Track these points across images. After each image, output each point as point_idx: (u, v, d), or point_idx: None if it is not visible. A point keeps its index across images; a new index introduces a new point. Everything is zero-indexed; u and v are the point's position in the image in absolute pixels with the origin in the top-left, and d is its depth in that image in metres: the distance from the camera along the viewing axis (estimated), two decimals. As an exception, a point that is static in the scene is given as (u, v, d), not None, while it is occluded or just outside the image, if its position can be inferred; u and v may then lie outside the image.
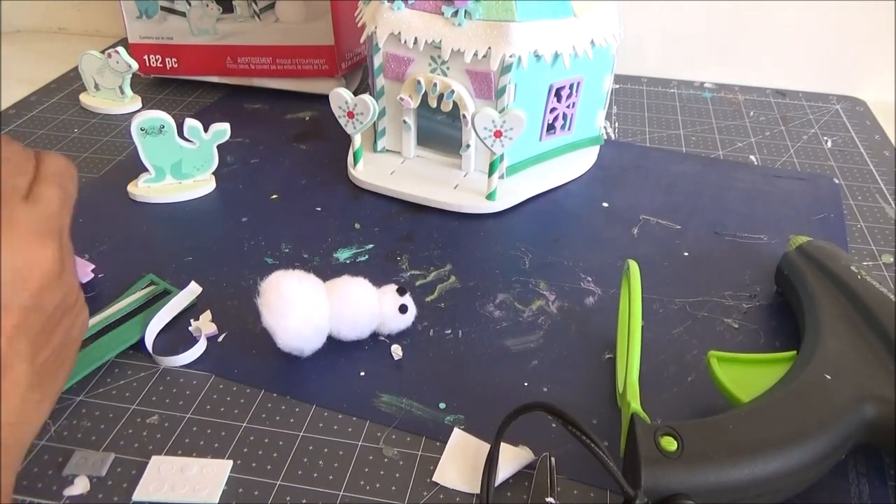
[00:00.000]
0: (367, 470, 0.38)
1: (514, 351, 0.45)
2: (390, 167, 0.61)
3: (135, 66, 0.71)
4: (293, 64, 0.73)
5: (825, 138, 0.70)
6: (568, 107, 0.60)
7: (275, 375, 0.43)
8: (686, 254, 0.54)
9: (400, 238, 0.55)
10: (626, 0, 0.79)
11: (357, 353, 0.45)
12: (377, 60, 0.58)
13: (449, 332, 0.46)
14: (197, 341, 0.45)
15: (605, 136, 0.66)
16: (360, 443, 0.39)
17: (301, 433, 0.40)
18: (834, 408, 0.35)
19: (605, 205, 0.59)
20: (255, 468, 0.38)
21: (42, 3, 0.96)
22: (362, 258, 0.53)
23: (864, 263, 0.53)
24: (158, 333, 0.46)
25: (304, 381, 0.43)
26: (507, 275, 0.51)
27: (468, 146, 0.59)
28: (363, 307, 0.44)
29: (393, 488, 0.37)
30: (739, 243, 0.55)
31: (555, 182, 0.61)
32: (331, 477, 0.37)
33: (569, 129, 0.61)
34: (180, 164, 0.59)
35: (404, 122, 0.60)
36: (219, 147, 0.59)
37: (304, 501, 0.36)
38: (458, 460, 0.38)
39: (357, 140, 0.59)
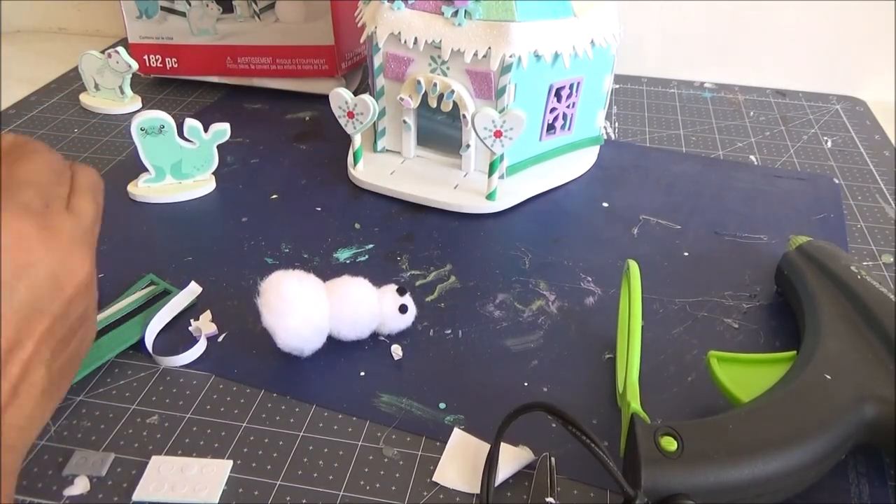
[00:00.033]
0: (367, 470, 0.38)
1: (514, 351, 0.45)
2: (390, 167, 0.61)
3: (135, 66, 0.71)
4: (293, 64, 0.73)
5: (825, 138, 0.70)
6: (568, 107, 0.60)
7: (275, 375, 0.43)
8: (686, 254, 0.54)
9: (400, 238, 0.55)
10: (626, 0, 0.79)
11: (357, 353, 0.45)
12: (377, 60, 0.58)
13: (449, 332, 0.46)
14: (197, 341, 0.45)
15: (605, 136, 0.66)
16: (360, 443, 0.39)
17: (301, 433, 0.40)
18: (834, 408, 0.35)
19: (605, 205, 0.59)
20: (255, 468, 0.38)
21: (42, 3, 0.96)
22: (362, 258, 0.53)
23: (864, 263, 0.53)
24: (158, 333, 0.46)
25: (304, 381, 0.43)
26: (507, 275, 0.51)
27: (468, 146, 0.59)
28: (363, 307, 0.44)
29: (393, 488, 0.37)
30: (739, 243, 0.55)
31: (555, 182, 0.61)
32: (331, 477, 0.37)
33: (569, 129, 0.61)
34: (180, 164, 0.59)
35: (404, 122, 0.60)
36: (219, 147, 0.59)
37: (304, 501, 0.36)
38: (458, 460, 0.38)
39: (357, 140, 0.59)
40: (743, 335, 0.47)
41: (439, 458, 0.38)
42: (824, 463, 0.35)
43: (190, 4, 0.71)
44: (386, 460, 0.38)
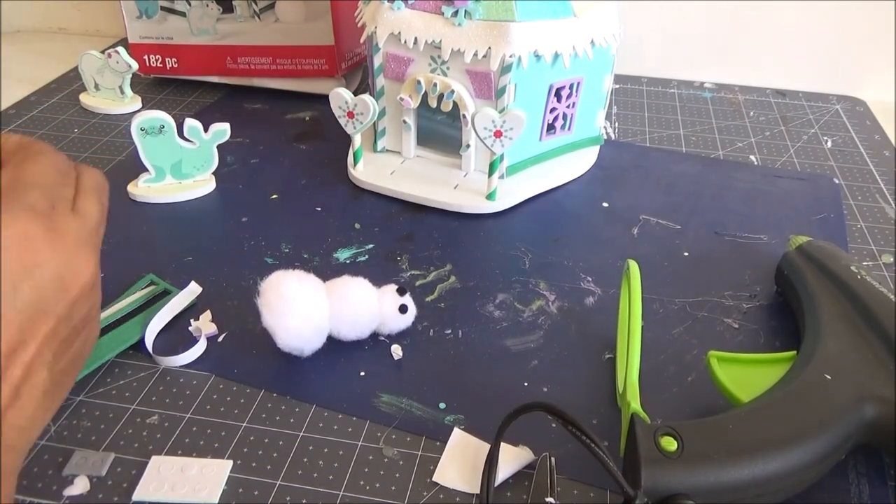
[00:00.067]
0: (367, 470, 0.38)
1: (514, 351, 0.45)
2: (390, 167, 0.61)
3: (135, 66, 0.71)
4: (293, 64, 0.73)
5: (825, 138, 0.70)
6: (568, 107, 0.60)
7: (275, 375, 0.43)
8: (686, 254, 0.54)
9: (400, 238, 0.55)
10: (626, 0, 0.79)
11: (357, 353, 0.45)
12: (377, 60, 0.58)
13: (449, 332, 0.46)
14: (197, 341, 0.45)
15: (605, 136, 0.66)
16: (360, 443, 0.39)
17: (301, 433, 0.40)
18: (834, 408, 0.35)
19: (605, 205, 0.59)
20: (255, 468, 0.38)
21: (42, 3, 0.96)
22: (362, 258, 0.53)
23: (864, 263, 0.53)
24: (158, 333, 0.46)
25: (304, 381, 0.43)
26: (507, 275, 0.51)
27: (468, 146, 0.59)
28: (363, 307, 0.44)
29: (393, 488, 0.37)
30: (739, 243, 0.55)
31: (555, 182, 0.61)
32: (331, 477, 0.37)
33: (569, 129, 0.61)
34: (180, 164, 0.59)
35: (404, 122, 0.60)
36: (219, 147, 0.59)
37: (304, 501, 0.36)
38: (458, 460, 0.38)
39: (357, 140, 0.59)
40: (743, 335, 0.47)
41: (439, 458, 0.38)
42: (824, 463, 0.35)
43: (190, 4, 0.71)
44: (386, 460, 0.38)
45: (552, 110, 0.59)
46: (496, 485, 0.36)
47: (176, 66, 0.76)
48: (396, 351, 0.45)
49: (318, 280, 0.43)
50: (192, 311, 0.48)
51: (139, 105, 0.74)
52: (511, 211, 0.58)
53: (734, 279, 0.51)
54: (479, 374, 0.43)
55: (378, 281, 0.46)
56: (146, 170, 0.58)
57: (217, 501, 0.36)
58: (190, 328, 0.46)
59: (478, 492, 0.36)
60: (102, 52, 0.71)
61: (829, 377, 0.37)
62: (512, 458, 0.37)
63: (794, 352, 0.40)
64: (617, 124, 0.72)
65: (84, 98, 0.74)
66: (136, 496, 0.36)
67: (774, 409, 0.35)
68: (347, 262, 0.53)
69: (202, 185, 0.60)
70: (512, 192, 0.58)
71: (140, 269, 0.51)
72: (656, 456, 0.33)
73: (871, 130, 0.72)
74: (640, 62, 0.83)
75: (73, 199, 0.33)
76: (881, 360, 0.38)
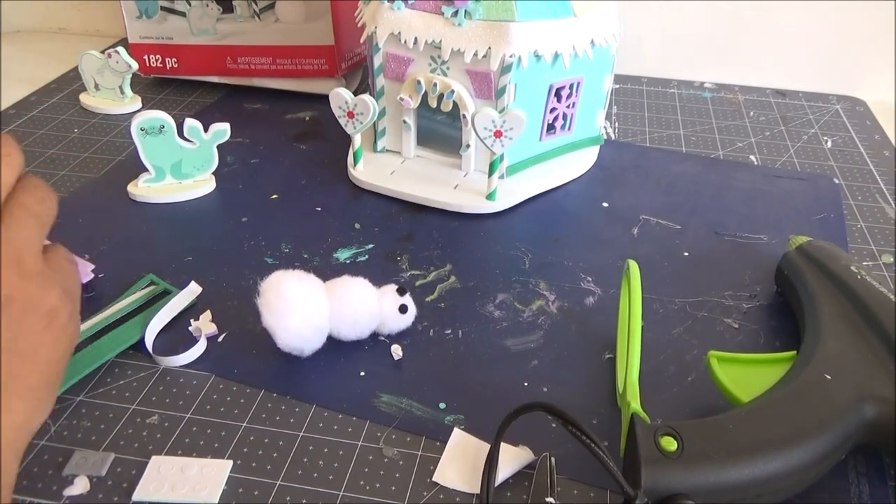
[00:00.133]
0: (367, 470, 0.38)
1: (514, 351, 0.45)
2: (390, 167, 0.61)
3: (135, 66, 0.71)
4: (293, 64, 0.73)
5: (825, 138, 0.70)
6: (568, 107, 0.60)
7: (275, 375, 0.43)
8: (686, 254, 0.54)
9: (400, 238, 0.55)
10: (626, 0, 0.79)
11: (357, 353, 0.45)
12: (377, 60, 0.58)
13: (449, 332, 0.46)
14: (197, 341, 0.45)
15: (605, 136, 0.66)
16: (360, 443, 0.39)
17: (301, 433, 0.40)
18: (834, 408, 0.35)
19: (605, 205, 0.59)
20: (255, 468, 0.38)
21: (42, 3, 0.96)
22: (362, 258, 0.53)
23: (864, 263, 0.53)
24: (158, 333, 0.46)
25: (304, 381, 0.43)
26: (507, 275, 0.51)
27: (468, 146, 0.59)
28: (363, 307, 0.44)
29: (393, 488, 0.37)
30: (739, 243, 0.55)
31: (555, 182, 0.61)
32: (331, 477, 0.37)
33: (569, 129, 0.61)
34: (180, 164, 0.59)
35: (404, 122, 0.60)
36: (219, 147, 0.59)
37: (304, 501, 0.36)
38: (458, 460, 0.38)
39: (357, 140, 0.59)
40: (743, 335, 0.47)
41: (439, 458, 0.38)
42: (824, 463, 0.35)
43: (190, 4, 0.71)
44: (386, 460, 0.38)
45: (552, 110, 0.59)
46: (496, 485, 0.36)
47: (176, 66, 0.76)
48: (396, 351, 0.45)
49: (318, 280, 0.43)
50: (192, 311, 0.48)
51: (139, 105, 0.74)
52: (511, 211, 0.58)
53: (734, 279, 0.51)
54: (479, 374, 0.43)
55: (378, 281, 0.46)
56: (146, 170, 0.58)
57: (217, 501, 0.36)
58: (190, 328, 0.46)
59: (478, 492, 0.36)
60: (102, 52, 0.71)
61: (829, 377, 0.37)
62: (512, 458, 0.37)
63: (794, 352, 0.40)
64: (617, 124, 0.72)
65: (84, 98, 0.74)
66: (136, 496, 0.36)
67: (774, 409, 0.35)
68: (347, 262, 0.52)
69: (202, 185, 0.60)
70: (512, 192, 0.58)
71: (140, 269, 0.51)
72: (656, 456, 0.33)
73: (871, 130, 0.72)
74: (640, 62, 0.83)
75: None
76: (881, 360, 0.38)
